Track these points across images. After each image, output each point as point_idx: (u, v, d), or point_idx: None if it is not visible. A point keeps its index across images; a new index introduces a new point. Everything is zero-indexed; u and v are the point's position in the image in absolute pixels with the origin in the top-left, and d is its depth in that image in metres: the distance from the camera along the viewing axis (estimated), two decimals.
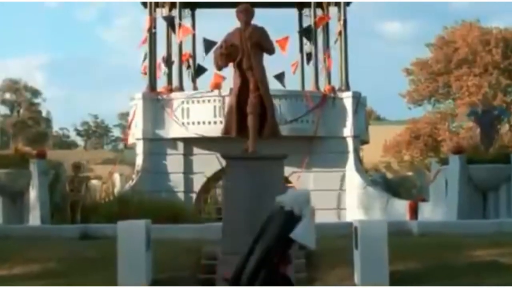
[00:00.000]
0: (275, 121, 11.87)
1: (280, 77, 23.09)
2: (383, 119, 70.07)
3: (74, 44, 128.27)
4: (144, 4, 23.11)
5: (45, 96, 67.68)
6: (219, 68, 11.91)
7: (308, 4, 25.17)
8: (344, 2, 22.64)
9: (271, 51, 11.91)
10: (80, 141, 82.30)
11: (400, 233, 13.54)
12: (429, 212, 19.71)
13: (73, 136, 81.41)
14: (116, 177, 25.73)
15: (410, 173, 28.50)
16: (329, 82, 25.04)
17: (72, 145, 79.33)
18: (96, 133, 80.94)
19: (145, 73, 22.79)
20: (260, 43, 11.77)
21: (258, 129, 11.67)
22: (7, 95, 66.01)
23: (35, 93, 66.17)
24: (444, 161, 19.83)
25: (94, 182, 26.86)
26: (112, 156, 55.18)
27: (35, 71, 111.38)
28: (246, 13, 11.89)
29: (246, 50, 11.72)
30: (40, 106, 67.28)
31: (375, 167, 39.48)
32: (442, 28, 60.19)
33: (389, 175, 34.42)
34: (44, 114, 70.86)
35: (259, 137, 11.75)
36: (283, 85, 23.27)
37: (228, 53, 11.53)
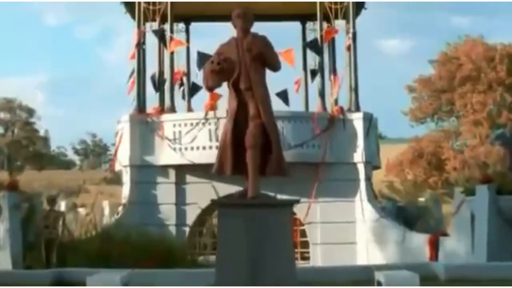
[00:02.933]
0: (282, 155, 9.01)
1: (283, 95, 20.23)
2: (384, 137, 67.55)
3: (74, 63, 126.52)
4: (133, 14, 20.42)
5: (40, 115, 65.31)
6: (210, 88, 9.09)
7: (311, 18, 22.60)
8: (353, 14, 19.87)
9: (276, 66, 9.14)
10: (78, 160, 79.63)
11: (425, 278, 11.72)
12: (452, 248, 17.29)
13: (70, 155, 78.75)
14: (105, 206, 23.07)
15: (422, 199, 25.74)
16: (336, 102, 22.44)
17: (69, 164, 76.58)
18: (94, 152, 78.13)
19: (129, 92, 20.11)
20: (262, 56, 8.97)
21: (260, 166, 8.87)
22: (1, 115, 63.40)
23: (30, 112, 63.56)
24: (469, 191, 17.33)
25: (80, 210, 24.30)
26: (110, 176, 52.90)
27: (34, 90, 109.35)
28: (245, 18, 9.12)
29: (244, 66, 8.94)
30: (36, 125, 64.78)
31: (380, 191, 36.79)
32: (445, 44, 58.52)
33: (399, 199, 31.90)
34: (42, 133, 68.70)
35: (261, 175, 8.93)
36: (287, 104, 20.49)
37: (221, 70, 8.71)
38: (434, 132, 58.26)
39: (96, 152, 77.83)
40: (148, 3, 19.85)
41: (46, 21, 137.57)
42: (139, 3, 19.85)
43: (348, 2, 19.78)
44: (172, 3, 19.83)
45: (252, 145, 8.70)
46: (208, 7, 21.61)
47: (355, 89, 19.93)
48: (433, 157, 55.25)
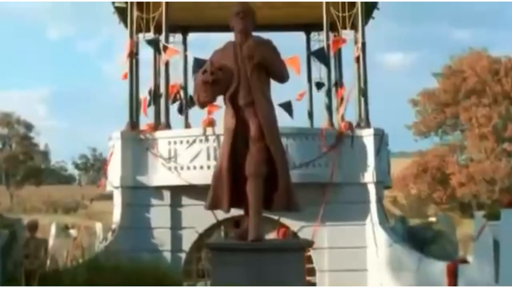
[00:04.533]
0: (291, 186, 7.23)
1: (287, 107, 18.46)
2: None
3: (75, 77, 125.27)
4: (127, 23, 18.71)
5: (39, 130, 63.56)
6: (202, 104, 7.33)
7: (316, 27, 20.91)
8: (363, 22, 18.11)
9: (282, 76, 7.40)
10: (78, 175, 77.84)
11: None
12: (473, 276, 15.42)
13: (71, 169, 76.88)
14: (98, 228, 21.24)
15: (432, 219, 23.90)
16: (342, 117, 20.69)
17: (69, 179, 74.75)
18: (94, 166, 76.23)
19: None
20: (266, 64, 7.22)
21: (264, 199, 7.06)
22: None
23: (29, 126, 61.75)
24: (491, 216, 15.56)
25: (71, 232, 22.52)
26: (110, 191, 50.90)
27: (35, 104, 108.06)
28: (245, 17, 7.38)
29: (244, 76, 7.20)
30: (34, 140, 63.01)
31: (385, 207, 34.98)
32: (448, 57, 57.35)
33: (405, 215, 30.18)
34: (42, 147, 67.00)
35: (266, 210, 7.12)
36: (291, 116, 18.72)
37: (216, 81, 6.96)
38: (439, 146, 57.13)
39: (97, 167, 75.94)
40: (142, 11, 18.12)
41: (49, 35, 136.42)
42: (131, 11, 18.12)
43: (357, 11, 18.01)
44: (167, 11, 18.07)
45: (254, 174, 6.92)
46: (206, 15, 19.99)
47: (365, 103, 18.13)
48: (437, 172, 54.07)
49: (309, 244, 7.24)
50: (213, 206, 7.25)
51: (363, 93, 18.11)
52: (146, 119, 18.70)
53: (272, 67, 7.29)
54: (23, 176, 61.24)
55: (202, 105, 7.42)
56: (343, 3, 18.00)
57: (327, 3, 18.01)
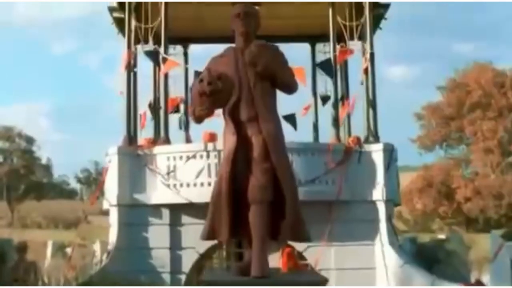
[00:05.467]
0: (300, 214, 6.24)
1: (290, 119, 17.49)
2: None
3: (78, 90, 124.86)
4: (122, 32, 17.81)
5: (40, 144, 62.65)
6: (198, 118, 6.31)
7: (322, 39, 20.04)
8: (371, 32, 17.16)
9: (291, 86, 6.40)
10: (80, 189, 76.80)
11: None
12: None
13: (73, 183, 75.81)
14: (96, 246, 20.25)
15: (442, 236, 22.88)
16: (349, 132, 19.77)
17: (72, 193, 73.72)
18: (96, 181, 75.17)
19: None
20: (272, 72, 6.25)
21: (269, 228, 6.07)
22: (0, 143, 60.65)
23: (30, 140, 60.75)
24: (509, 235, 14.60)
25: (68, 251, 21.53)
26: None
27: (39, 117, 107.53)
28: (247, 18, 6.41)
29: (247, 86, 6.20)
30: (36, 154, 62.03)
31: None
32: (452, 70, 56.65)
33: (415, 233, 29.22)
34: (44, 161, 66.06)
35: (271, 240, 6.14)
36: (295, 128, 17.74)
37: (214, 92, 5.97)
38: (443, 160, 56.25)
39: (99, 181, 74.91)
40: (140, 21, 17.20)
41: (53, 49, 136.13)
42: (129, 20, 17.20)
43: (365, 20, 17.07)
44: (166, 21, 17.14)
45: (258, 200, 5.93)
46: (208, 26, 19.11)
47: (373, 117, 17.13)
48: (442, 186, 53.14)
49: (324, 281, 6.21)
50: (210, 235, 6.27)
51: (372, 106, 17.12)
52: (144, 133, 17.78)
53: (278, 76, 6.28)
54: (24, 190, 60.29)
55: (198, 120, 6.40)
56: (350, 11, 17.08)
57: (333, 12, 17.06)
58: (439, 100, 54.22)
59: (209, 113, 6.09)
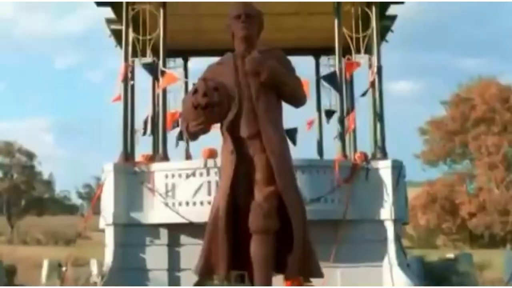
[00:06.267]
0: (310, 246, 5.37)
1: (292, 134, 16.59)
2: None
3: (81, 105, 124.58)
4: (119, 43, 17.07)
5: (42, 158, 61.95)
6: (192, 135, 5.44)
7: (326, 52, 19.31)
8: (378, 44, 16.36)
9: (298, 98, 5.56)
10: (81, 204, 75.95)
11: None
12: None
13: (74, 199, 74.91)
14: (92, 265, 19.38)
15: (451, 255, 21.97)
16: (355, 148, 18.97)
17: (73, 208, 72.84)
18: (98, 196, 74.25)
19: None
20: (277, 82, 5.40)
21: (275, 261, 5.21)
22: (0, 158, 59.87)
23: (30, 155, 59.95)
24: None
25: (64, 270, 20.65)
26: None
27: (41, 132, 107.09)
28: (249, 20, 5.54)
29: (248, 98, 5.35)
30: (37, 169, 61.26)
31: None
32: (456, 85, 56.12)
33: (418, 249, 28.30)
34: (46, 176, 65.26)
35: (276, 274, 5.26)
36: (294, 143, 16.85)
37: (210, 104, 5.11)
38: (447, 175, 55.55)
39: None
40: (138, 32, 16.43)
41: (55, 64, 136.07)
42: (126, 32, 16.42)
43: (372, 31, 16.28)
44: (165, 33, 16.37)
45: (261, 230, 5.05)
46: (208, 39, 18.38)
47: (381, 132, 16.29)
48: (446, 202, 52.42)
49: None
50: (206, 270, 5.39)
51: (379, 120, 16.28)
52: (141, 149, 16.97)
53: (284, 86, 5.41)
54: (24, 206, 59.49)
55: (192, 137, 5.51)
56: (357, 23, 16.30)
57: (339, 23, 16.27)
58: (443, 115, 53.62)
59: (205, 128, 5.22)
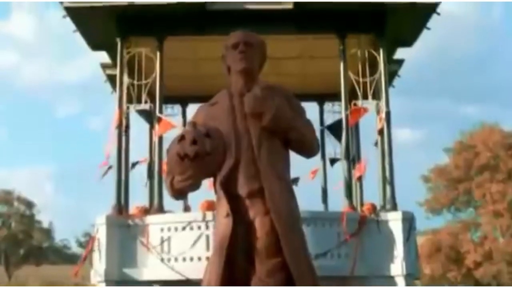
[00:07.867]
0: None
1: (293, 183, 15.41)
2: None
3: (82, 153, 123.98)
4: (114, 86, 16.13)
5: (41, 207, 60.77)
6: (177, 192, 4.24)
7: (330, 97, 18.42)
8: (387, 88, 15.38)
9: (309, 145, 4.37)
10: (80, 253, 74.44)
11: None
12: None
13: (74, 248, 73.31)
14: None
15: None
16: (361, 198, 17.90)
17: (73, 258, 71.18)
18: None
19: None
20: (283, 127, 4.22)
21: None
22: None
23: (29, 204, 58.73)
24: None
25: None
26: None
27: (41, 181, 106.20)
28: (248, 50, 4.35)
29: (247, 146, 4.19)
30: (36, 217, 60.03)
31: None
32: (459, 132, 55.33)
33: None
34: (46, 225, 64.02)
35: None
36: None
37: (199, 154, 3.98)
38: (452, 224, 54.26)
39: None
40: (133, 77, 15.46)
41: (56, 112, 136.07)
42: (121, 76, 15.45)
43: (380, 75, 15.29)
44: (161, 78, 15.40)
45: None
46: (206, 85, 17.32)
47: (390, 182, 15.16)
48: (451, 250, 50.96)
49: None
50: None
51: (388, 170, 15.18)
52: (135, 201, 15.85)
53: (292, 132, 4.22)
54: (23, 255, 58.10)
55: (178, 193, 4.30)
56: (364, 66, 15.33)
57: (345, 67, 15.30)
58: (446, 163, 52.62)
59: (193, 184, 4.07)
